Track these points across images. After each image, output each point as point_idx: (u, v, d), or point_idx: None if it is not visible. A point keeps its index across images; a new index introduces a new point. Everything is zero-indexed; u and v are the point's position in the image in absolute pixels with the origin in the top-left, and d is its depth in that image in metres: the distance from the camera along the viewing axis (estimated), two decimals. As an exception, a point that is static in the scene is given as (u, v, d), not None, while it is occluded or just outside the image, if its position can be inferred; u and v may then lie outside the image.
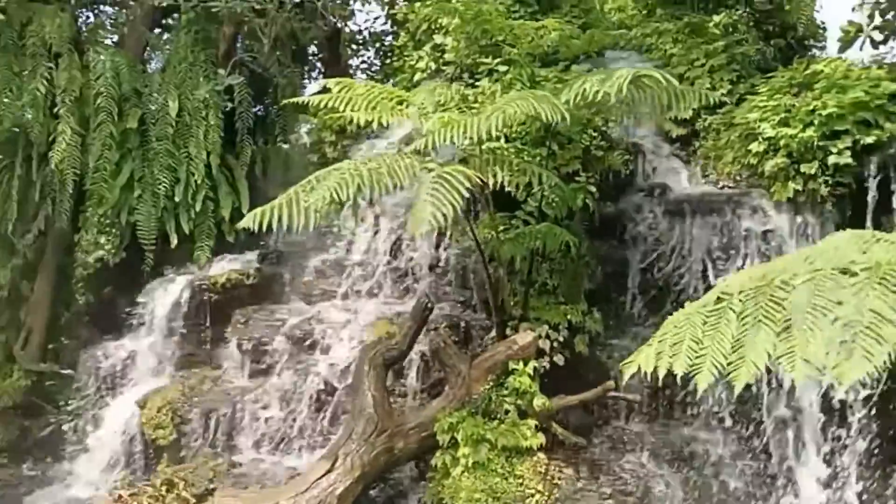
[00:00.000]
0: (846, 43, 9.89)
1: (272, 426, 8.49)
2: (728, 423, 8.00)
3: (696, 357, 4.30)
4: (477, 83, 9.51)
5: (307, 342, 8.91)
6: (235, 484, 7.81)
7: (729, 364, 4.18)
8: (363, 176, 6.70)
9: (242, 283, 9.94)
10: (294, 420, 8.47)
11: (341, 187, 6.59)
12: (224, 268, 10.29)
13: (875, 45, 10.00)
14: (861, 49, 9.87)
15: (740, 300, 4.49)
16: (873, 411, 7.43)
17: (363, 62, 14.77)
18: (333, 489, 7.00)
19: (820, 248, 4.90)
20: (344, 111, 7.74)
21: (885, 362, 3.80)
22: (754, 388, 7.70)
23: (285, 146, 12.36)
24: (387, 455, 7.33)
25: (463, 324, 8.62)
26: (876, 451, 7.49)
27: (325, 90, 7.99)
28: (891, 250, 4.60)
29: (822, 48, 11.35)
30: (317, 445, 8.26)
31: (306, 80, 14.08)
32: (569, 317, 8.18)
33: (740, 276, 4.79)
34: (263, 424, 8.52)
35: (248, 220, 6.68)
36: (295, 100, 8.26)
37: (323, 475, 7.05)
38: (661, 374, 4.39)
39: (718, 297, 4.60)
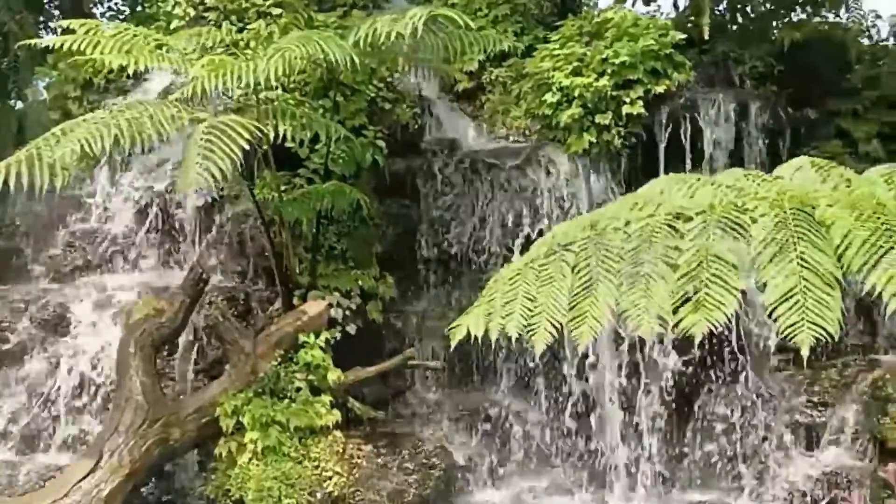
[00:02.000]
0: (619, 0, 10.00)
1: (21, 423, 7.61)
2: (527, 383, 7.91)
3: (532, 316, 3.89)
4: (247, 30, 8.64)
5: (59, 325, 7.99)
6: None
7: (569, 322, 3.79)
8: (121, 127, 6.10)
9: (-26, 262, 8.71)
10: (47, 414, 7.62)
11: (94, 139, 5.92)
12: (-51, 244, 8.92)
13: (647, 2, 10.27)
14: (633, 6, 10.01)
15: (573, 252, 4.11)
16: (673, 361, 7.46)
17: (109, 9, 13.59)
18: (99, 491, 6.44)
19: (644, 194, 4.62)
20: (91, 55, 6.69)
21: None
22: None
23: (20, 103, 11.09)
24: (161, 447, 6.76)
25: (242, 295, 8.04)
26: (675, 404, 7.57)
27: (67, 32, 6.89)
28: (718, 193, 4.39)
29: (594, 5, 11.38)
30: (77, 442, 7.45)
31: (43, 31, 12.56)
32: (360, 283, 7.85)
33: (568, 226, 4.39)
34: (10, 421, 7.61)
35: (-22, 180, 5.65)
36: (30, 41, 7.09)
37: (86, 476, 6.46)
38: (494, 336, 3.94)
39: (549, 250, 4.19)
